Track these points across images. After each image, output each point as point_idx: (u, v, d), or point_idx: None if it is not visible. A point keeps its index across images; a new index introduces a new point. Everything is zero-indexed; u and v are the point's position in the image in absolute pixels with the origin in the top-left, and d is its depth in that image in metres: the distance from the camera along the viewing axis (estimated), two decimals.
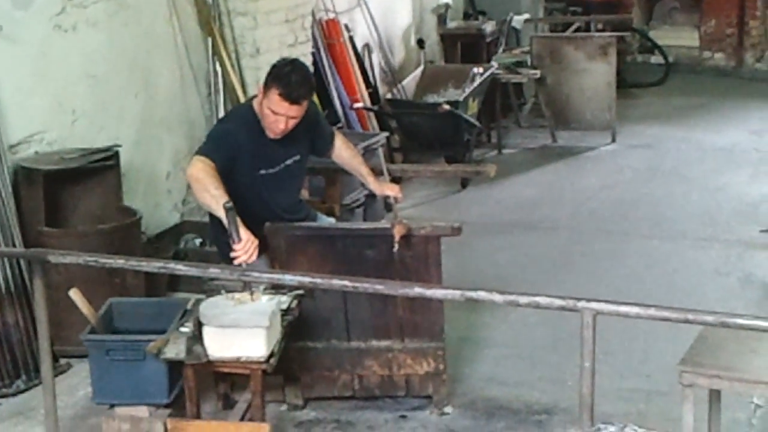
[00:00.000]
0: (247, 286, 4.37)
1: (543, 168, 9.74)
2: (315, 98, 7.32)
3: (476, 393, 5.28)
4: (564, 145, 10.43)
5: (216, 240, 5.20)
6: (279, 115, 4.78)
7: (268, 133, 4.87)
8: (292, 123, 4.84)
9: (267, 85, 4.81)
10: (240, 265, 4.39)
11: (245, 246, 4.39)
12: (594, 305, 3.27)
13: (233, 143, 4.81)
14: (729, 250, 7.31)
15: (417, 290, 3.70)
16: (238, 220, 4.41)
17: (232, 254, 4.40)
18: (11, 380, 5.36)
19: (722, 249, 7.35)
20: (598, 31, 11.93)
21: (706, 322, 3.34)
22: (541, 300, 3.40)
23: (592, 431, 2.76)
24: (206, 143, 4.89)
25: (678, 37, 14.61)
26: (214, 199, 4.49)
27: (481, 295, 3.46)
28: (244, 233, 4.41)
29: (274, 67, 4.90)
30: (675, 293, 6.40)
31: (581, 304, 3.28)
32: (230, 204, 4.41)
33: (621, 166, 9.66)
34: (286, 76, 4.79)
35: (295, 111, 4.80)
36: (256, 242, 4.45)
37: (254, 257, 4.43)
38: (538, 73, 10.39)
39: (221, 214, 4.44)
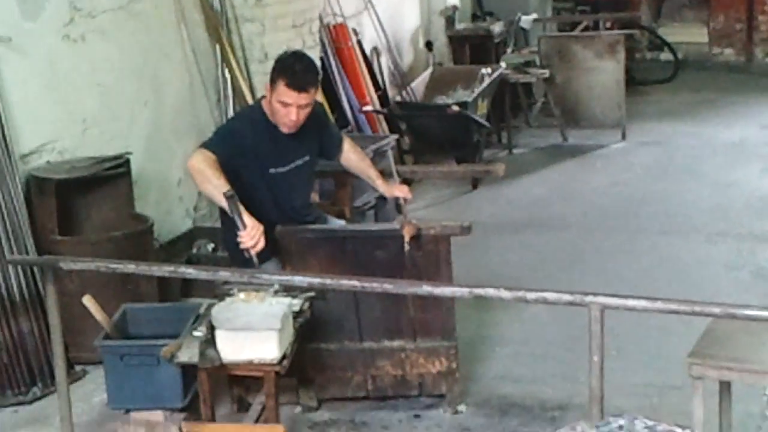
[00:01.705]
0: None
1: (553, 167, 9.76)
2: (324, 102, 7.38)
3: (489, 391, 5.30)
4: (574, 144, 10.44)
5: (227, 245, 5.23)
6: (289, 106, 4.81)
7: (281, 129, 4.90)
8: (303, 114, 4.86)
9: (273, 79, 4.84)
10: (248, 252, 4.44)
11: (250, 232, 4.44)
12: (601, 299, 3.29)
13: (238, 140, 4.84)
14: (741, 245, 7.31)
15: (426, 288, 3.72)
16: (242, 207, 4.45)
17: (239, 240, 4.44)
18: (27, 388, 5.39)
19: (734, 244, 7.36)
20: (606, 29, 11.95)
21: (713, 314, 3.35)
22: (549, 296, 3.42)
23: (601, 424, 2.77)
24: (211, 138, 4.94)
25: (687, 34, 14.62)
26: (216, 189, 4.54)
27: (489, 291, 3.48)
28: (248, 219, 4.46)
29: (278, 60, 4.94)
30: (687, 288, 6.39)
31: (588, 298, 3.30)
32: (231, 192, 4.45)
33: (631, 164, 9.67)
34: (290, 66, 4.83)
35: (304, 99, 4.82)
36: (261, 228, 4.49)
37: (261, 243, 4.47)
38: (547, 72, 10.41)
39: (224, 203, 4.49)
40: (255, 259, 4.52)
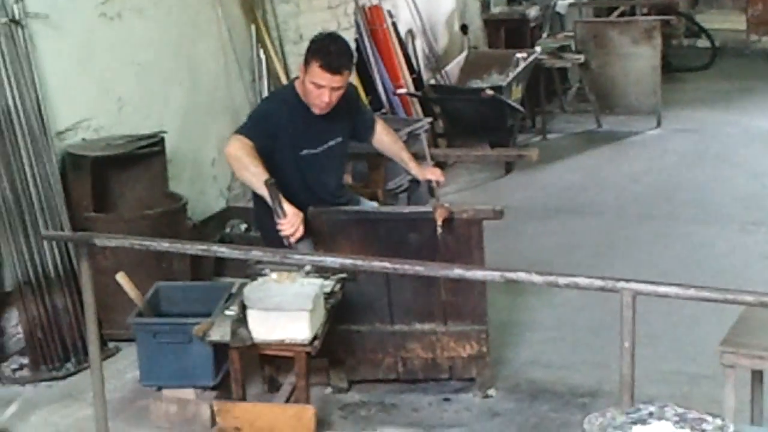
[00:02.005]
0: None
1: (587, 153, 9.72)
2: (358, 84, 7.38)
3: (520, 376, 5.30)
4: (609, 130, 10.40)
5: (260, 225, 5.24)
6: (322, 88, 4.80)
7: (313, 110, 4.89)
8: (336, 95, 4.86)
9: (307, 60, 4.84)
10: (288, 240, 4.47)
11: (290, 220, 4.47)
12: (633, 285, 3.27)
13: (273, 123, 4.84)
14: None
15: (457, 271, 3.72)
16: (281, 195, 4.46)
17: (278, 228, 4.46)
18: (61, 363, 5.45)
19: None
20: (643, 15, 11.87)
21: (746, 302, 3.33)
22: (581, 281, 3.40)
23: (631, 411, 2.76)
24: (245, 123, 4.94)
25: (725, 21, 14.51)
26: (255, 176, 4.55)
27: (521, 276, 3.47)
28: (288, 207, 4.48)
29: (312, 41, 4.93)
30: (721, 277, 6.35)
31: (620, 284, 3.29)
32: (272, 180, 4.47)
33: (666, 151, 9.62)
34: (325, 48, 4.82)
35: (338, 81, 4.82)
36: (301, 215, 4.51)
37: (300, 231, 4.50)
38: (582, 57, 10.36)
39: (263, 191, 4.51)
40: (295, 247, 4.54)
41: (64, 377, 5.40)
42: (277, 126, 4.84)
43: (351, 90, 5.17)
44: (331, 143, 5.04)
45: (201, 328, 4.39)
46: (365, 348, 5.11)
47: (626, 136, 10.19)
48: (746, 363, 3.89)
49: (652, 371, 4.99)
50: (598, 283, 3.38)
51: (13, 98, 5.40)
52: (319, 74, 4.78)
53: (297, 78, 5.02)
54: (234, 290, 4.69)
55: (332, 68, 4.78)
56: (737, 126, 10.34)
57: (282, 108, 4.93)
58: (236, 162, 4.66)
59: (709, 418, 2.69)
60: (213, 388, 4.86)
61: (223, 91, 7.28)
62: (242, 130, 4.78)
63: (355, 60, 5.16)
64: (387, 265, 3.77)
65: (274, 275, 4.40)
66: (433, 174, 5.30)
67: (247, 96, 7.52)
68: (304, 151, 4.93)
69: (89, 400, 4.68)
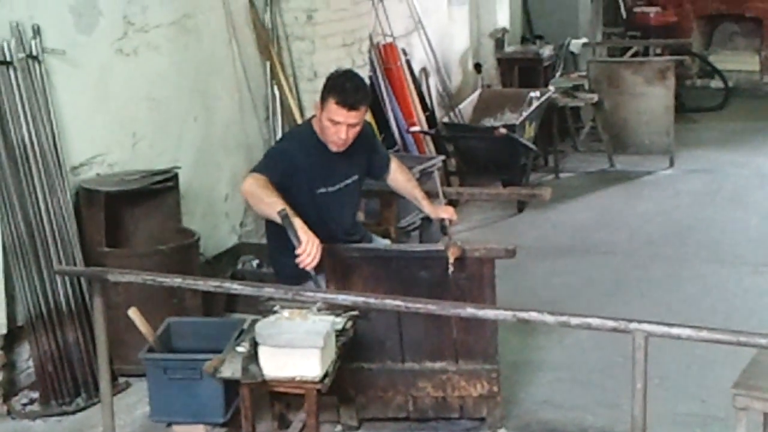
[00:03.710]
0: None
1: (600, 192, 9.72)
2: (372, 122, 7.41)
3: (531, 416, 5.27)
4: (621, 170, 10.40)
5: (273, 261, 5.25)
6: (339, 124, 4.82)
7: (330, 147, 4.91)
8: (353, 132, 4.88)
9: (323, 98, 4.86)
10: (305, 268, 4.43)
11: (306, 248, 4.41)
12: (645, 327, 3.27)
13: (289, 161, 4.85)
14: None
15: (469, 310, 3.72)
16: (297, 222, 4.45)
17: (297, 260, 4.43)
18: (71, 398, 5.45)
19: None
20: (656, 55, 11.90)
21: (759, 345, 3.33)
22: (593, 321, 3.41)
23: None
24: (261, 162, 4.95)
25: (738, 62, 14.52)
26: (270, 206, 4.52)
27: (533, 315, 3.47)
28: (304, 235, 4.44)
29: (328, 79, 4.96)
30: (733, 318, 6.33)
31: (633, 325, 3.29)
32: (285, 210, 4.45)
33: (679, 191, 9.61)
34: (341, 84, 4.85)
35: (354, 117, 4.84)
36: (317, 242, 4.45)
37: (317, 258, 4.44)
38: (595, 97, 10.37)
39: (278, 219, 4.48)
40: (313, 274, 4.51)
41: (74, 412, 5.39)
42: (293, 164, 4.85)
43: (367, 128, 5.19)
44: (348, 181, 5.05)
45: (211, 365, 4.39)
46: (376, 386, 5.10)
47: (639, 175, 10.19)
48: (759, 406, 3.87)
49: (664, 413, 4.97)
50: (611, 324, 3.38)
51: (29, 133, 5.44)
52: (335, 111, 4.80)
53: (314, 116, 5.04)
54: (245, 327, 4.68)
55: (348, 104, 4.80)
56: (750, 167, 10.34)
57: (299, 146, 4.94)
58: (251, 197, 4.65)
59: None
60: (223, 425, 4.86)
61: (237, 127, 7.32)
62: (258, 168, 4.79)
63: (370, 97, 5.17)
64: (399, 303, 3.78)
65: (285, 312, 4.40)
66: (446, 212, 5.30)
67: (261, 133, 7.55)
68: (321, 190, 4.94)
69: None
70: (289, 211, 4.47)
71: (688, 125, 11.97)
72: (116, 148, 6.12)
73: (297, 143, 4.99)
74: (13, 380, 5.52)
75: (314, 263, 4.45)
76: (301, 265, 4.44)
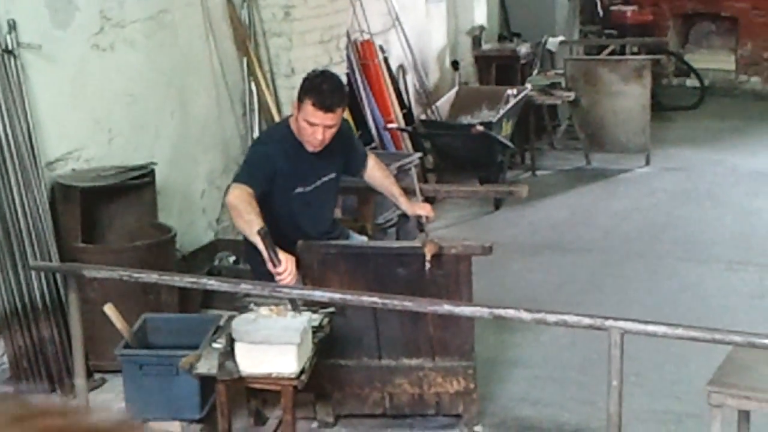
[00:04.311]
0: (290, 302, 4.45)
1: (576, 190, 9.75)
2: (349, 118, 7.40)
3: (506, 413, 5.29)
4: (598, 168, 10.43)
5: (250, 259, 5.24)
6: (315, 126, 4.82)
7: (307, 147, 4.91)
8: (329, 133, 4.88)
9: (300, 98, 4.86)
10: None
11: (286, 266, 4.46)
12: (621, 324, 3.29)
13: (271, 166, 4.86)
14: (764, 274, 7.28)
15: (446, 307, 3.73)
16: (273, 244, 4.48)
17: (277, 278, 4.46)
18: (47, 394, 5.41)
19: (756, 272, 7.33)
20: (633, 54, 11.94)
21: (734, 342, 3.34)
22: (569, 318, 3.42)
23: None
24: (244, 169, 4.95)
25: (714, 61, 14.58)
26: (248, 225, 4.54)
27: (510, 312, 3.48)
28: (283, 255, 4.48)
29: (306, 79, 4.96)
30: (708, 316, 6.36)
31: (609, 322, 3.30)
32: (265, 230, 4.46)
33: (655, 189, 9.65)
34: (318, 86, 4.85)
35: (330, 119, 4.84)
36: (294, 260, 4.52)
37: (295, 275, 4.51)
38: (572, 95, 10.40)
39: (256, 239, 4.50)
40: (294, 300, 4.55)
41: None
42: (274, 168, 4.86)
43: (344, 125, 5.19)
44: (325, 179, 5.06)
45: (188, 361, 4.38)
46: (352, 382, 5.10)
47: (615, 173, 10.22)
48: (733, 403, 3.90)
49: (640, 410, 4.99)
50: (587, 321, 3.40)
51: (4, 128, 5.40)
52: (311, 112, 4.80)
53: (291, 116, 5.03)
54: (222, 323, 4.68)
55: (325, 106, 4.80)
56: (725, 165, 10.39)
57: (278, 148, 4.94)
58: (233, 210, 4.69)
59: None
60: (199, 421, 4.84)
61: (214, 123, 7.30)
62: (242, 178, 4.78)
63: (347, 98, 5.17)
64: (376, 299, 3.78)
65: (262, 309, 4.40)
66: (422, 209, 5.31)
67: (238, 129, 7.54)
68: (298, 189, 4.95)
69: None
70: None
71: (664, 123, 12.02)
72: (92, 144, 6.09)
73: (276, 145, 4.99)
74: None
75: (293, 280, 4.48)
76: (282, 283, 4.47)
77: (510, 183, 9.34)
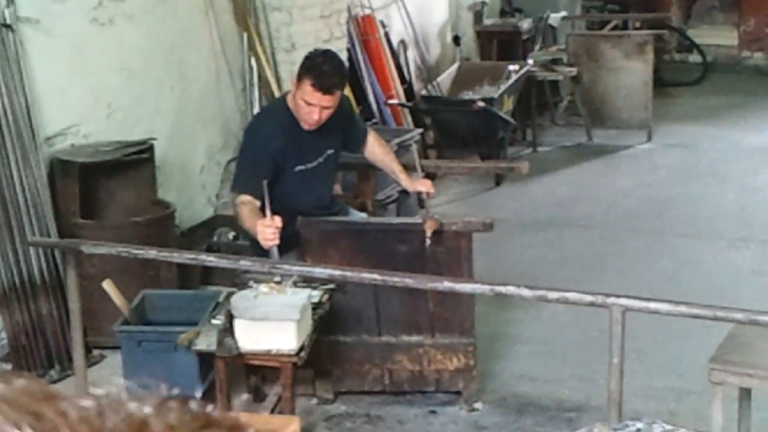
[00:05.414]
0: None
1: (578, 166, 9.71)
2: (350, 94, 7.36)
3: (506, 389, 5.28)
4: (600, 144, 10.38)
5: (249, 234, 5.22)
6: (312, 106, 4.78)
7: (302, 125, 4.88)
8: (325, 114, 4.84)
9: (300, 77, 4.82)
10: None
11: (272, 222, 4.40)
12: (623, 301, 3.27)
13: (269, 156, 4.79)
14: (765, 250, 7.26)
15: (446, 284, 3.71)
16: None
17: (260, 229, 4.41)
18: (45, 370, 5.40)
19: (759, 249, 7.30)
20: (635, 29, 11.88)
21: (736, 320, 3.32)
22: (570, 295, 3.40)
23: (619, 427, 2.74)
24: (243, 171, 4.90)
25: (717, 36, 14.50)
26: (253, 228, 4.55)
27: (510, 289, 3.46)
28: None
29: (306, 58, 4.91)
30: (710, 293, 6.32)
31: (610, 300, 3.28)
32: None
33: (657, 165, 9.62)
34: (318, 67, 4.80)
35: (328, 101, 4.80)
36: (280, 224, 4.43)
37: (275, 240, 4.41)
38: (574, 70, 10.34)
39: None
40: (275, 252, 4.48)
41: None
42: (272, 155, 4.82)
43: (344, 101, 5.15)
44: (324, 156, 5.02)
45: (186, 337, 4.37)
46: (352, 359, 5.09)
47: (617, 150, 10.18)
48: (734, 380, 3.88)
49: (640, 387, 4.97)
50: (588, 298, 3.37)
51: (2, 102, 5.37)
52: (310, 92, 4.76)
53: (289, 92, 5.00)
54: (221, 299, 4.66)
55: (323, 88, 4.76)
56: (727, 141, 10.34)
57: (274, 129, 4.90)
58: (238, 216, 4.73)
59: None
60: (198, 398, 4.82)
61: (213, 98, 7.26)
62: (245, 187, 4.74)
63: (347, 78, 5.13)
64: (376, 276, 3.76)
65: (262, 285, 4.37)
66: (423, 185, 5.28)
67: (238, 104, 7.50)
68: (299, 167, 4.92)
69: None
70: None
71: (666, 99, 11.96)
72: (91, 119, 6.05)
73: (272, 125, 4.95)
74: None
75: (271, 243, 4.42)
76: (261, 237, 4.41)
77: (511, 159, 9.30)
